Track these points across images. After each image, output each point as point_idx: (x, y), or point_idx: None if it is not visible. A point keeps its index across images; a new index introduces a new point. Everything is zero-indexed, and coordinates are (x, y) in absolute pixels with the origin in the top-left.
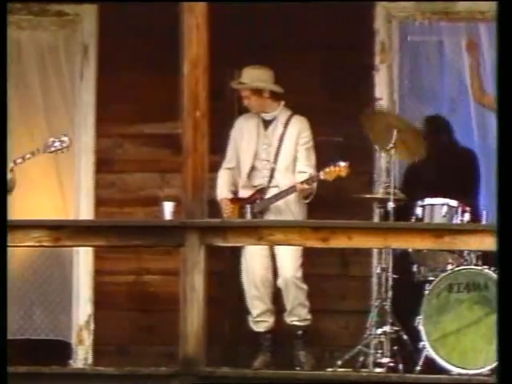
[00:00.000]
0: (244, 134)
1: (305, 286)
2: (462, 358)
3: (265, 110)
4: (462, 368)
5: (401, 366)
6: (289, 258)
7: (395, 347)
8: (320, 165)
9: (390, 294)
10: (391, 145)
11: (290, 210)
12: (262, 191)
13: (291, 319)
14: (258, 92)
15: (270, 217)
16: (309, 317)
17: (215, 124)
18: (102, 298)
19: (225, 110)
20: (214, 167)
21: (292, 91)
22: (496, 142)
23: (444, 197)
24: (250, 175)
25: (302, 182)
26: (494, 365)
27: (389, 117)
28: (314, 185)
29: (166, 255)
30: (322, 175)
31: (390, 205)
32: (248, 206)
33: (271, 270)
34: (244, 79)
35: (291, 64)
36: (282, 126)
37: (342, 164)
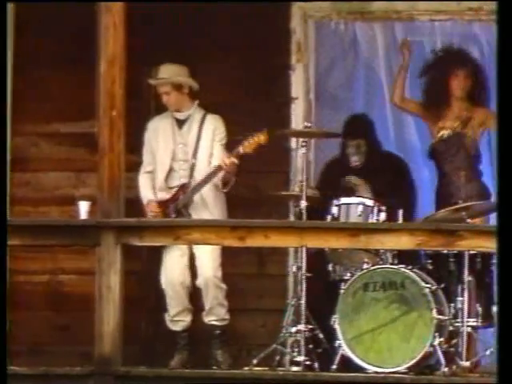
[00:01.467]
0: (159, 136)
1: (224, 286)
2: (378, 356)
3: (182, 108)
4: (379, 367)
5: (317, 365)
6: (208, 258)
7: (311, 346)
8: None
9: (305, 292)
10: (303, 143)
11: (207, 206)
12: (184, 188)
13: (209, 319)
14: (178, 88)
15: (190, 213)
16: (227, 317)
17: (132, 123)
18: (16, 297)
19: (142, 109)
20: (131, 166)
21: (208, 90)
22: (496, 142)
23: (360, 196)
24: (167, 176)
25: (225, 160)
26: (411, 363)
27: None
28: (233, 177)
29: (81, 255)
30: (241, 149)
31: (306, 204)
32: (171, 206)
33: (190, 270)
34: (163, 74)
35: (208, 63)
36: (197, 124)
37: (259, 134)
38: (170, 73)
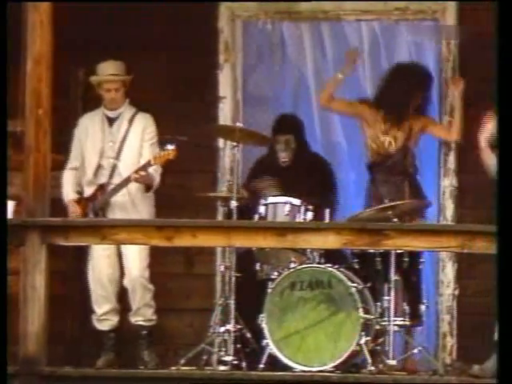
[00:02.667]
0: (89, 132)
1: (151, 287)
2: (306, 356)
3: (120, 105)
4: (306, 366)
5: (244, 364)
6: (136, 258)
7: (239, 345)
8: None
9: (233, 292)
10: (234, 143)
11: (136, 206)
12: (103, 188)
13: (136, 319)
14: (125, 85)
15: (115, 214)
16: (154, 317)
17: (58, 122)
18: None
19: (68, 107)
20: (57, 166)
21: (138, 89)
22: (496, 142)
23: (287, 195)
24: (96, 173)
25: (135, 171)
26: (338, 361)
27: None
28: (157, 177)
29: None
30: (152, 161)
31: (234, 203)
32: (90, 204)
33: (118, 269)
34: (111, 71)
35: (137, 62)
36: (127, 122)
37: (170, 147)
38: (117, 69)
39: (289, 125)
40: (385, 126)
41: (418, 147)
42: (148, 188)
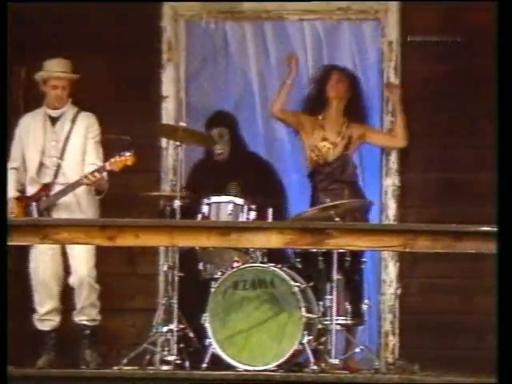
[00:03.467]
0: (30, 132)
1: (98, 286)
2: (250, 356)
3: (64, 104)
4: (250, 365)
5: (187, 364)
6: (84, 257)
7: (182, 345)
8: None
9: (176, 292)
10: (177, 143)
11: (81, 207)
12: (47, 188)
13: (80, 318)
14: (71, 84)
15: (60, 214)
16: (98, 317)
17: None
18: None
19: (10, 107)
20: None
21: (81, 88)
22: (496, 142)
23: (230, 195)
24: (38, 172)
25: (87, 174)
26: (281, 361)
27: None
28: (106, 182)
29: None
30: (108, 166)
31: (177, 203)
32: (34, 204)
33: (62, 269)
34: (59, 68)
35: (80, 62)
36: (70, 122)
37: (127, 153)
38: (65, 67)
39: (221, 118)
40: (324, 132)
41: (359, 152)
42: (99, 192)
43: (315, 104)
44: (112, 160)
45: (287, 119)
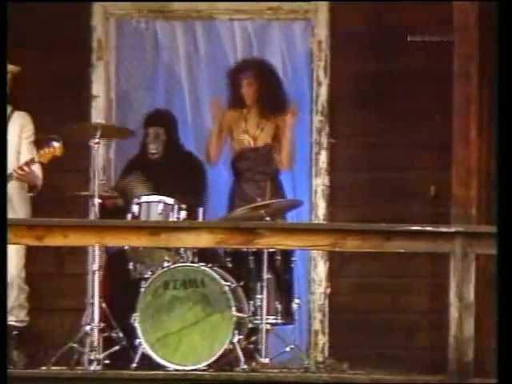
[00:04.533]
0: None
1: (27, 287)
2: (182, 356)
3: None
4: (181, 365)
5: (117, 363)
6: (14, 257)
7: (111, 344)
8: None
9: (106, 291)
10: (96, 140)
11: (12, 204)
12: None
13: (8, 319)
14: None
15: None
16: (27, 318)
17: None
18: None
19: None
20: None
21: (12, 87)
22: (496, 142)
23: (161, 194)
24: None
25: (16, 168)
26: (211, 360)
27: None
28: (37, 177)
29: None
30: (37, 158)
31: (106, 202)
32: None
33: None
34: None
35: (13, 61)
36: None
37: (56, 144)
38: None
39: (159, 118)
40: (246, 125)
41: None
42: (32, 187)
43: (236, 102)
44: (41, 152)
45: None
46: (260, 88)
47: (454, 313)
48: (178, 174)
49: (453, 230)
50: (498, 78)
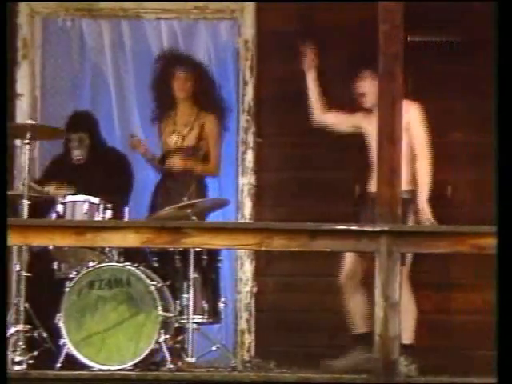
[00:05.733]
0: None
1: None
2: (107, 357)
3: None
4: (106, 365)
5: (41, 363)
6: None
7: (35, 345)
8: None
9: (29, 291)
10: (26, 141)
11: None
12: None
13: None
14: None
15: None
16: None
17: None
18: None
19: None
20: None
21: None
22: (496, 143)
23: (87, 193)
24: None
25: None
26: (137, 360)
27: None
28: None
29: None
30: None
31: (30, 202)
32: None
33: None
34: None
35: None
36: None
37: None
38: None
39: (82, 122)
40: (175, 126)
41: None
42: None
43: (165, 103)
44: None
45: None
46: (194, 84)
47: (379, 312)
48: (104, 173)
49: (378, 229)
50: (498, 78)
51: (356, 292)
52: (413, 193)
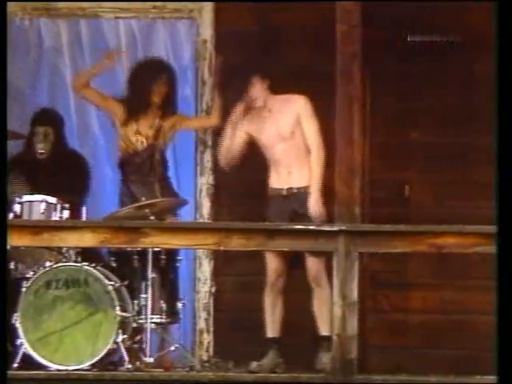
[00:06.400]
0: None
1: None
2: (64, 357)
3: None
4: (63, 365)
5: None
6: None
7: None
8: None
9: None
10: None
11: None
12: None
13: None
14: None
15: None
16: None
17: None
18: None
19: None
20: None
21: None
22: (496, 143)
23: (45, 193)
24: None
25: None
26: (95, 360)
27: None
28: None
29: None
30: None
31: None
32: None
33: None
34: None
35: None
36: None
37: None
38: None
39: (48, 117)
40: (137, 125)
41: (173, 146)
42: None
43: (136, 102)
44: None
45: (91, 97)
46: (169, 88)
47: (337, 311)
48: (62, 173)
49: (336, 228)
50: (498, 79)
51: (277, 297)
52: (308, 189)
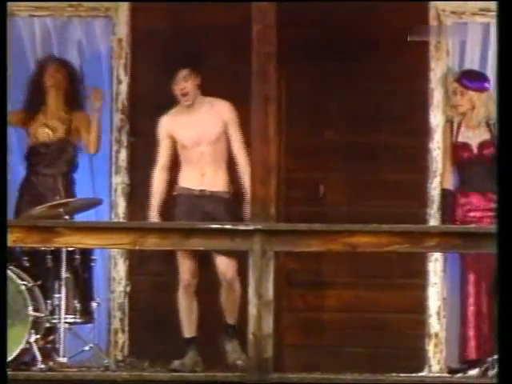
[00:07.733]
0: None
1: None
2: None
3: None
4: None
5: None
6: None
7: None
8: None
9: None
10: None
11: None
12: None
13: None
14: None
15: None
16: None
17: None
18: None
19: None
20: None
21: None
22: (496, 143)
23: None
24: None
25: None
26: (8, 360)
27: None
28: None
29: None
30: None
31: None
32: None
33: None
34: None
35: None
36: None
37: None
38: None
39: None
40: (45, 119)
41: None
42: None
43: (35, 94)
44: None
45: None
46: (65, 80)
47: (252, 310)
48: None
49: (251, 227)
50: (498, 79)
51: (192, 298)
52: (233, 194)
